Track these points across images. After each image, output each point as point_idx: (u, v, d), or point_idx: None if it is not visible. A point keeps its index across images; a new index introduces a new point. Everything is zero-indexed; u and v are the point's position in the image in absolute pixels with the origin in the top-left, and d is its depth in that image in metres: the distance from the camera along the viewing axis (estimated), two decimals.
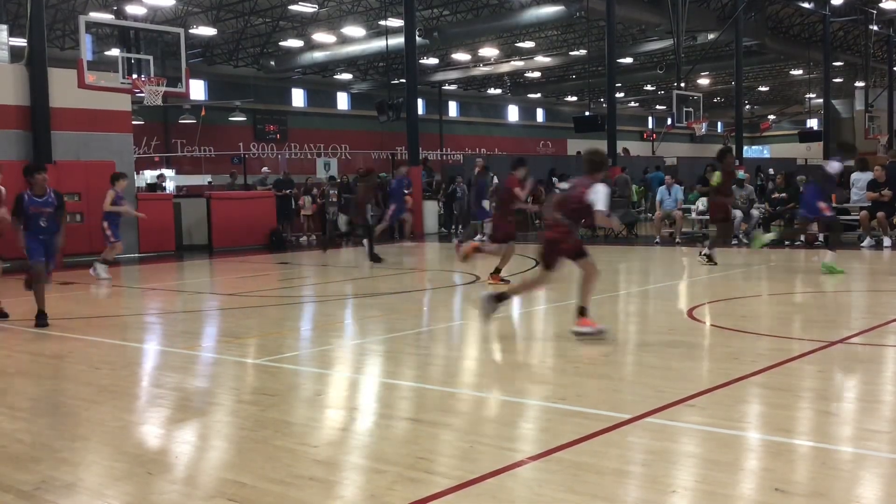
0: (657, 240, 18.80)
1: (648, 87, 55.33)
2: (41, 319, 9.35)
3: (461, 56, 43.00)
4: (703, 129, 32.57)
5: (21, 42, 20.80)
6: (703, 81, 51.02)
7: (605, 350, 7.35)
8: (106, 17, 28.81)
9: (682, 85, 31.58)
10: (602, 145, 29.23)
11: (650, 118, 65.72)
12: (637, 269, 15.15)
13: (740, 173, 20.12)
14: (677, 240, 18.62)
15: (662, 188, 19.70)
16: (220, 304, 11.58)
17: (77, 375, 6.97)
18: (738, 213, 18.51)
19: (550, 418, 5.22)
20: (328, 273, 15.40)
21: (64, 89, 18.21)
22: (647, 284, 12.79)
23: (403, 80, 26.30)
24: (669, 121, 32.91)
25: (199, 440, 5.07)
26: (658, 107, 61.38)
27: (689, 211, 19.85)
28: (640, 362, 6.89)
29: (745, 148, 41.21)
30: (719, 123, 64.42)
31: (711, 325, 8.58)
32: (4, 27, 19.69)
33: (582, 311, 7.75)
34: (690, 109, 30.12)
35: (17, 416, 5.54)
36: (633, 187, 27.58)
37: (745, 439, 4.70)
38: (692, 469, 4.25)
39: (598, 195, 7.41)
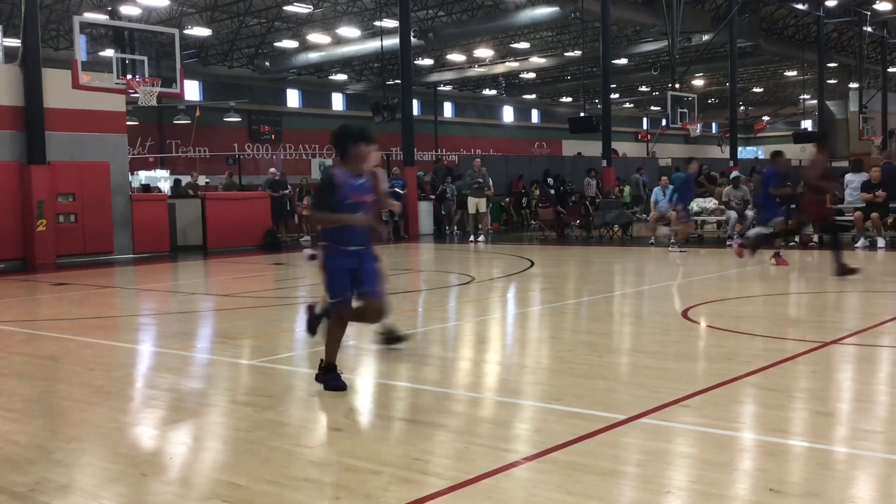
0: (652, 241, 18.82)
1: (643, 88, 55.42)
2: None
3: (456, 57, 43.01)
4: (698, 130, 32.66)
5: (15, 42, 20.73)
6: (698, 82, 51.11)
7: (600, 351, 7.36)
8: (100, 17, 28.74)
9: (677, 86, 31.64)
10: (597, 147, 29.31)
11: (645, 119, 65.83)
12: (632, 270, 15.16)
13: (735, 173, 20.17)
14: (672, 241, 18.63)
15: (657, 188, 19.70)
16: (215, 305, 11.57)
17: (71, 376, 6.95)
18: (732, 214, 18.56)
19: (545, 419, 5.23)
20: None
21: (58, 90, 18.18)
22: (641, 285, 12.80)
23: (398, 81, 26.28)
24: (664, 122, 33.00)
25: (194, 441, 5.06)
26: (653, 108, 61.49)
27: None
28: (636, 363, 6.89)
29: (740, 149, 41.21)
30: (714, 124, 64.49)
31: (706, 325, 8.59)
32: None
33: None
34: (685, 110, 30.17)
35: (12, 418, 5.53)
36: (627, 188, 27.60)
37: (739, 440, 4.71)
38: (687, 469, 4.25)
39: None
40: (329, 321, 6.16)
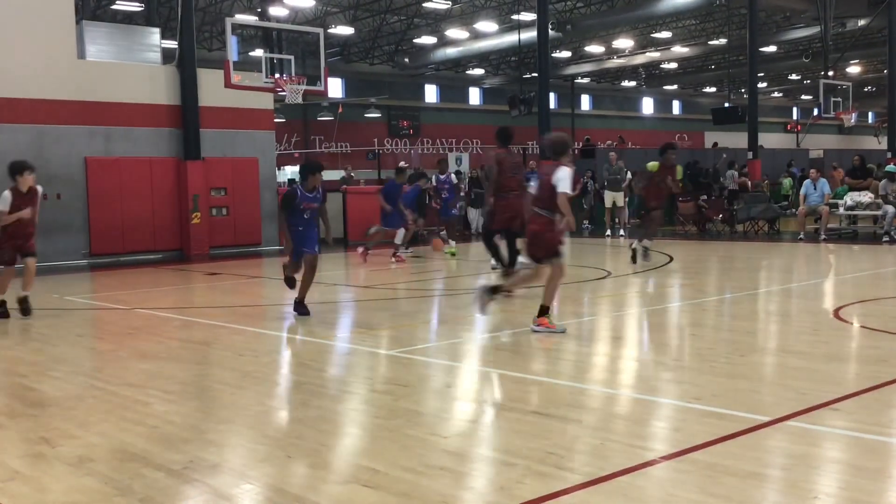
0: (801, 236, 18.00)
1: (793, 77, 52.92)
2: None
3: (594, 48, 42.43)
4: (853, 120, 30.88)
5: (172, 44, 21.96)
6: (853, 70, 48.36)
7: (744, 350, 7.11)
8: (250, 19, 30.05)
9: (830, 74, 30.07)
10: (742, 138, 28.25)
11: (795, 109, 62.87)
12: (779, 266, 14.54)
13: (891, 166, 18.99)
14: (823, 236, 17.76)
15: (808, 182, 18.82)
16: (355, 296, 11.90)
17: (222, 361, 7.32)
18: (889, 209, 17.50)
19: (684, 418, 5.10)
20: (459, 266, 15.52)
21: (211, 89, 19.14)
22: (789, 283, 12.27)
23: (535, 75, 26.18)
24: (816, 111, 31.39)
25: (335, 427, 5.23)
26: (803, 97, 58.64)
27: (836, 206, 18.88)
28: (781, 363, 6.63)
29: None
30: (870, 114, 60.91)
31: (860, 325, 8.15)
32: (156, 30, 20.87)
33: (543, 311, 7.84)
34: (839, 99, 28.63)
35: (169, 399, 5.88)
36: (787, 181, 26.48)
37: (893, 446, 4.45)
38: (835, 475, 4.06)
39: (562, 178, 7.58)
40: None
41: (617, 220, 21.69)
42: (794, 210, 20.77)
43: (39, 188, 9.98)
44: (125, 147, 18.55)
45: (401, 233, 16.05)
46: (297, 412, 5.62)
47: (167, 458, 4.49)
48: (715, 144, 34.05)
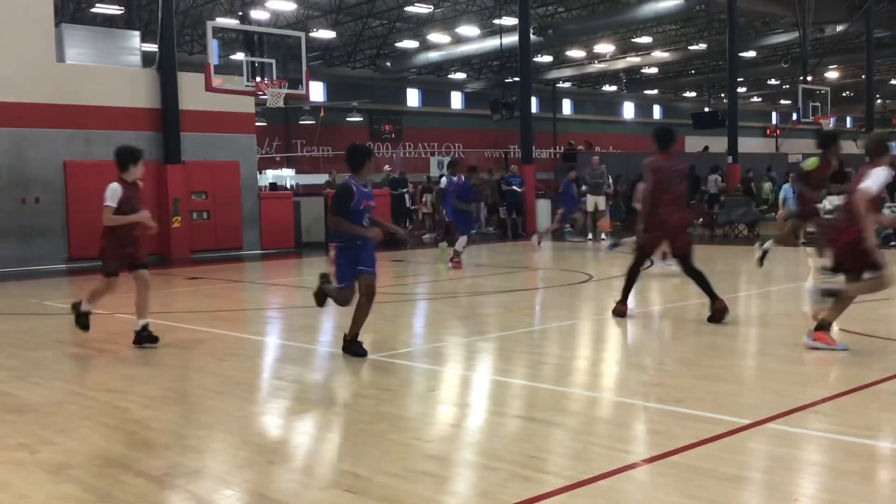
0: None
1: (772, 82, 53.33)
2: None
3: (576, 53, 42.58)
4: (832, 125, 31.20)
5: (152, 48, 21.85)
6: (832, 75, 48.80)
7: (724, 353, 7.15)
8: (231, 22, 29.93)
9: (809, 79, 30.31)
10: (722, 142, 28.44)
11: (774, 114, 63.36)
12: (758, 270, 14.63)
13: None
14: (801, 240, 17.90)
15: (787, 186, 18.94)
16: None
17: (203, 366, 7.28)
18: None
19: (665, 421, 5.12)
20: (441, 271, 15.52)
21: (192, 92, 19.05)
22: (769, 286, 12.35)
23: (517, 79, 26.24)
24: (795, 116, 31.65)
25: (317, 431, 5.22)
26: (782, 102, 59.11)
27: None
28: (762, 366, 6.67)
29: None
30: (848, 119, 61.49)
31: (839, 328, 8.21)
32: (137, 34, 20.76)
33: (824, 325, 6.83)
34: (817, 104, 28.88)
35: (148, 405, 5.83)
36: (767, 185, 26.72)
37: (873, 448, 4.49)
38: (815, 477, 4.09)
39: (870, 176, 6.53)
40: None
41: (598, 224, 21.74)
42: (773, 214, 20.92)
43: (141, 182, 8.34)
44: (105, 151, 18.33)
45: (463, 239, 15.15)
46: (279, 417, 5.60)
47: (147, 465, 4.46)
48: (706, 148, 34.25)
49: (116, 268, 7.96)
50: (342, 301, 7.29)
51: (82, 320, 8.22)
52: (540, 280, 13.99)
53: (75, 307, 8.27)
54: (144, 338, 7.89)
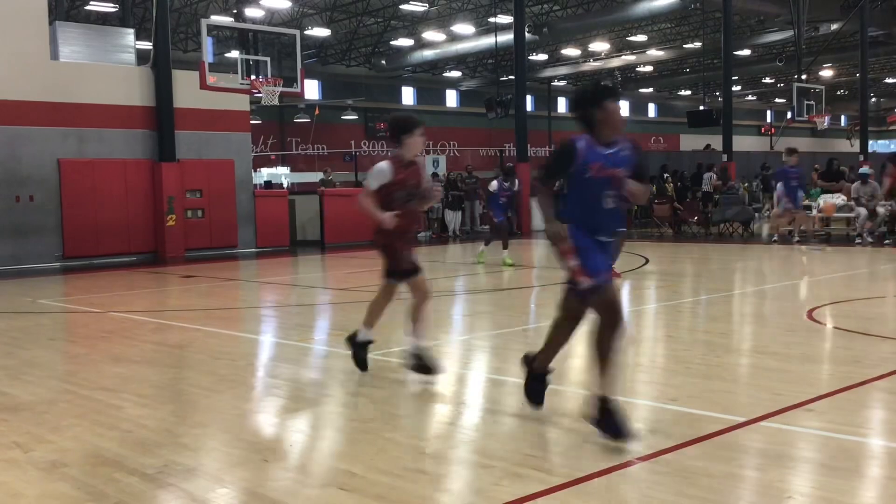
0: (775, 238, 18.17)
1: (767, 80, 53.43)
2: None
3: (571, 51, 42.60)
4: (826, 123, 31.23)
5: (147, 45, 21.80)
6: (826, 73, 48.88)
7: (718, 351, 7.16)
8: (226, 20, 29.88)
9: (804, 77, 30.38)
10: (717, 141, 28.48)
11: (769, 112, 63.45)
12: (753, 268, 14.68)
13: (864, 169, 19.22)
14: (796, 238, 17.94)
15: (781, 184, 18.99)
16: (332, 299, 11.86)
17: (197, 365, 7.27)
18: (862, 211, 17.70)
19: (660, 419, 5.13)
20: (437, 269, 15.53)
21: (187, 90, 19.01)
22: (763, 284, 12.38)
23: (512, 77, 26.24)
24: (789, 114, 31.71)
25: (312, 430, 5.21)
26: (777, 100, 59.22)
27: (809, 208, 19.07)
28: (756, 364, 6.68)
29: (871, 142, 39.20)
30: (843, 117, 61.61)
31: (833, 326, 8.23)
32: (131, 31, 20.70)
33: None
34: (812, 102, 28.94)
35: (142, 403, 5.82)
36: (744, 185, 26.75)
37: (866, 446, 4.50)
38: (809, 475, 4.10)
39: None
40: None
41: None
42: (766, 212, 20.95)
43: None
44: (99, 149, 18.38)
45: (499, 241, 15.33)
46: (274, 415, 5.59)
47: (141, 463, 4.45)
48: (707, 146, 34.29)
49: (410, 266, 6.34)
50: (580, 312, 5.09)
51: (362, 354, 6.50)
52: (535, 279, 14.00)
53: (352, 340, 6.55)
54: (423, 367, 6.17)
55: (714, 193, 23.51)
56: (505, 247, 15.03)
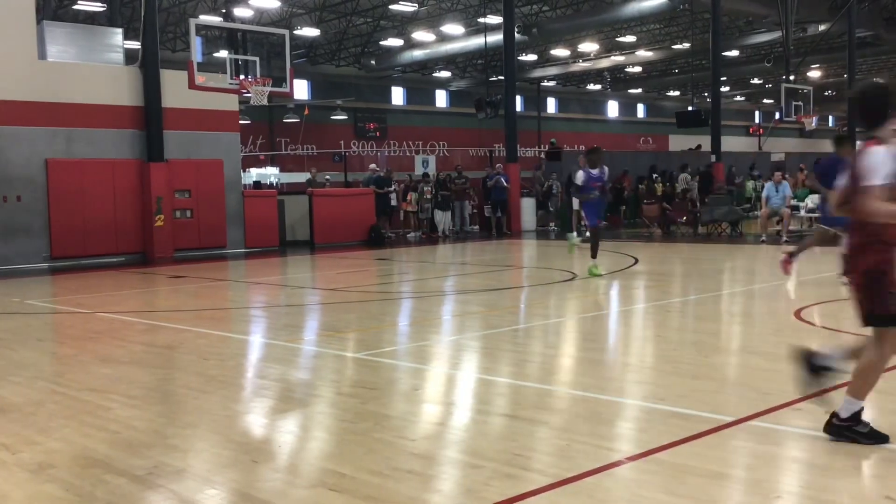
0: (763, 238, 18.24)
1: (755, 81, 53.61)
2: None
3: (560, 52, 42.65)
4: (814, 124, 31.40)
5: (135, 45, 21.71)
6: (814, 74, 49.10)
7: (707, 351, 7.18)
8: (215, 19, 29.78)
9: (792, 78, 30.51)
10: (705, 141, 28.59)
11: (757, 112, 63.72)
12: (741, 268, 14.73)
13: None
14: (784, 238, 18.02)
15: (770, 184, 19.08)
16: (321, 299, 11.85)
17: (187, 366, 7.24)
18: None
19: (649, 419, 5.15)
20: (426, 269, 15.54)
21: (175, 90, 18.94)
22: (752, 284, 12.43)
23: (502, 77, 26.27)
24: (777, 115, 31.85)
25: (302, 430, 5.20)
26: (765, 101, 59.46)
27: (797, 208, 19.17)
28: (744, 364, 6.70)
29: (859, 143, 39.38)
30: (831, 118, 61.92)
31: (821, 326, 8.27)
32: (119, 31, 20.61)
33: None
34: (800, 103, 29.08)
35: (131, 404, 5.80)
36: (750, 184, 26.93)
37: (855, 445, 4.52)
38: (797, 474, 4.12)
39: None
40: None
41: (583, 223, 21.76)
42: (756, 212, 21.04)
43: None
44: (87, 149, 18.29)
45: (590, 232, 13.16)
46: (263, 416, 5.58)
47: (130, 464, 4.43)
48: (698, 147, 34.39)
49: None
50: None
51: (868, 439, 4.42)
52: (525, 278, 14.01)
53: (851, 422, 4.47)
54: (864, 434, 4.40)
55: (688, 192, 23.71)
56: (594, 255, 12.80)
